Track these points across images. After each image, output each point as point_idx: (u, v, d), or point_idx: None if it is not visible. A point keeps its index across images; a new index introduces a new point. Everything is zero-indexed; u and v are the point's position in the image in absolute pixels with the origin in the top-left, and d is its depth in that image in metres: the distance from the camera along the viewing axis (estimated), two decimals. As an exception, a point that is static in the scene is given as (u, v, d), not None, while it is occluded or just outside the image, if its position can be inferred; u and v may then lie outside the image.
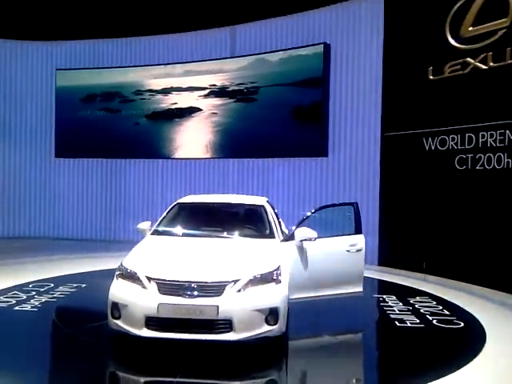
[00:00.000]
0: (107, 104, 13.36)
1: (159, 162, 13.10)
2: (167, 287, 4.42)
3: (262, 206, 6.02)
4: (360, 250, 5.86)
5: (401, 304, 6.71)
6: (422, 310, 6.38)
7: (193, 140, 12.61)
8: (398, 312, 6.27)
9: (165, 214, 6.16)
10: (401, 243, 9.83)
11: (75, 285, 7.71)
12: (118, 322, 4.55)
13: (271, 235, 5.50)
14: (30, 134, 13.79)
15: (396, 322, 5.79)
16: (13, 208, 13.69)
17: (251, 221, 5.89)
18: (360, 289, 5.88)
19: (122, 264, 4.86)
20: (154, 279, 4.49)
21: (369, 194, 10.37)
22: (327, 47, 10.91)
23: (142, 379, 4.28)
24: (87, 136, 13.47)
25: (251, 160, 12.01)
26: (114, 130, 13.28)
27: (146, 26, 12.89)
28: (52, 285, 7.65)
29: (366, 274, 8.90)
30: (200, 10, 12.24)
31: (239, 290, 4.44)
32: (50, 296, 6.93)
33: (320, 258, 5.61)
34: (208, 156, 12.47)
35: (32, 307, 6.32)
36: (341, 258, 5.74)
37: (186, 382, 4.11)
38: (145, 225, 5.96)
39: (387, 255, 10.03)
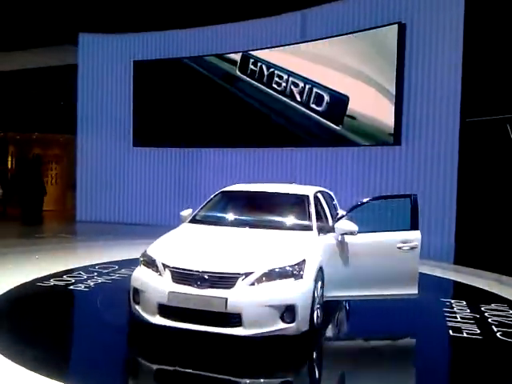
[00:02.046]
0: (183, 94, 13.48)
1: (232, 151, 13.00)
2: (180, 276, 4.28)
3: (306, 196, 5.61)
4: (414, 248, 5.25)
5: (468, 311, 5.93)
6: (490, 320, 5.58)
7: (264, 129, 12.35)
8: (458, 319, 5.54)
9: (207, 201, 5.99)
10: (480, 241, 8.90)
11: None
12: (137, 307, 4.51)
13: (308, 227, 5.08)
14: (110, 124, 14.34)
15: (450, 331, 5.10)
16: (90, 195, 14.38)
17: (291, 211, 5.51)
18: (415, 291, 5.28)
19: (146, 250, 4.80)
20: (169, 267, 4.38)
21: (445, 187, 9.49)
22: (402, 27, 10.09)
23: (155, 367, 4.17)
24: (162, 126, 13.74)
25: (319, 149, 11.52)
26: (189, 119, 13.38)
27: (218, 15, 12.82)
28: (116, 267, 7.88)
29: (438, 274, 8.37)
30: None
31: (252, 284, 4.14)
32: (108, 278, 7.14)
33: (364, 255, 5.11)
34: (277, 145, 12.16)
35: (85, 287, 6.55)
36: (390, 255, 5.18)
37: (206, 376, 3.92)
38: (187, 212, 5.83)
39: (465, 254, 9.14)
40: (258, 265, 4.24)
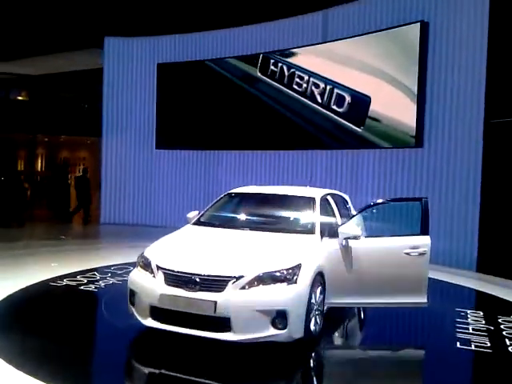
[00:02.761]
0: (204, 96, 13.48)
1: (252, 153, 12.92)
2: (172, 278, 4.24)
3: (312, 198, 5.47)
4: (423, 254, 5.03)
5: (483, 322, 5.65)
6: (504, 332, 5.29)
7: (285, 131, 12.21)
8: (470, 331, 5.26)
9: (213, 203, 5.94)
10: (505, 248, 8.51)
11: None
12: (133, 308, 4.50)
13: (311, 231, 4.94)
14: (134, 126, 14.48)
15: (457, 343, 4.84)
16: (114, 197, 14.54)
17: (296, 214, 5.40)
18: (423, 299, 5.06)
19: (143, 252, 4.77)
20: (162, 269, 4.34)
21: (468, 190, 9.12)
22: (425, 25, 9.79)
23: (147, 370, 4.13)
24: (185, 128, 13.78)
25: (339, 151, 11.30)
26: (211, 121, 13.37)
27: (240, 17, 12.78)
28: (131, 268, 7.88)
29: (458, 282, 8.06)
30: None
31: (243, 288, 4.04)
32: (121, 279, 7.18)
33: (369, 260, 4.93)
34: (298, 147, 11.99)
35: (95, 287, 6.67)
36: (397, 261, 4.99)
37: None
38: (193, 214, 5.80)
39: (488, 261, 8.76)
40: (250, 268, 4.13)
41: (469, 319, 5.75)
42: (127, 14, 13.69)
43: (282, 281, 4.10)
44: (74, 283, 6.85)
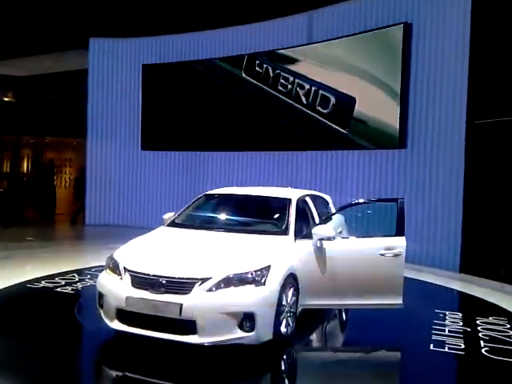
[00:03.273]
0: (189, 97, 13.41)
1: (238, 154, 12.88)
2: (138, 280, 4.19)
3: (288, 199, 5.42)
4: (398, 255, 5.01)
5: (460, 324, 5.60)
6: (481, 334, 5.25)
7: (270, 132, 12.17)
8: (446, 333, 5.22)
9: (189, 204, 5.88)
10: (489, 249, 8.51)
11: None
12: (101, 311, 4.45)
13: (284, 232, 4.89)
14: (119, 127, 14.39)
15: (431, 345, 4.79)
16: (99, 198, 14.43)
17: (270, 215, 5.35)
18: (399, 301, 5.02)
19: (112, 254, 4.71)
20: (129, 271, 4.29)
21: (451, 191, 9.12)
22: (408, 27, 9.80)
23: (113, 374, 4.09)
24: (170, 129, 13.70)
25: (324, 152, 11.28)
26: (196, 122, 13.31)
27: (225, 18, 12.74)
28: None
29: (440, 283, 8.04)
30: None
31: (210, 290, 3.98)
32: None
33: (343, 261, 4.89)
34: (283, 148, 11.96)
35: (72, 289, 6.59)
36: (371, 262, 4.96)
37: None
38: (168, 215, 5.74)
39: (472, 262, 8.76)
40: (217, 270, 4.08)
41: (446, 321, 5.72)
42: (113, 15, 13.59)
43: (250, 282, 4.04)
44: (51, 285, 6.78)
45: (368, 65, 10.41)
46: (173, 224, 5.45)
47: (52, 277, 7.26)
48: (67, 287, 6.70)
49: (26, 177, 18.36)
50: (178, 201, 13.65)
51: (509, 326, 5.67)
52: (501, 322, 5.78)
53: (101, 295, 4.45)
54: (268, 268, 4.16)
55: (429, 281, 8.25)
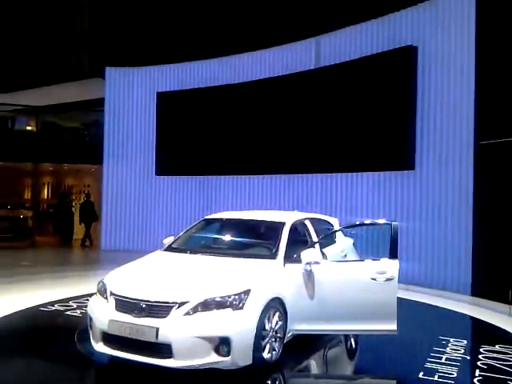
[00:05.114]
0: (202, 123, 13.58)
1: (250, 178, 12.94)
2: (121, 304, 4.28)
3: (282, 223, 5.40)
4: (391, 280, 4.90)
5: (461, 352, 5.35)
6: (479, 363, 5.02)
7: (279, 155, 12.20)
8: (442, 361, 5.02)
9: (187, 229, 5.94)
10: (501, 272, 8.28)
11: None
12: (90, 333, 4.56)
13: (273, 256, 4.87)
14: (134, 153, 14.68)
15: (420, 374, 4.63)
16: (115, 223, 14.64)
17: (263, 239, 5.36)
18: (393, 327, 4.87)
19: (103, 278, 4.78)
20: (114, 295, 4.39)
21: (460, 213, 8.96)
22: (413, 50, 9.80)
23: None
24: (184, 154, 13.87)
25: (335, 174, 11.24)
26: (209, 147, 13.44)
27: (235, 45, 13.00)
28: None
29: (450, 307, 7.82)
30: (284, 23, 11.98)
31: (188, 314, 4.00)
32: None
33: (332, 286, 4.82)
34: (292, 171, 11.97)
35: (81, 313, 6.68)
36: (363, 287, 4.87)
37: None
38: (167, 240, 5.79)
39: (484, 285, 8.52)
40: (195, 294, 4.10)
41: (447, 348, 5.51)
42: (127, 45, 14.03)
43: (227, 306, 4.04)
44: (62, 308, 6.93)
45: (374, 88, 10.41)
46: (169, 248, 5.51)
47: (66, 301, 7.39)
48: (77, 310, 6.79)
49: (46, 203, 18.87)
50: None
51: (515, 355, 5.44)
52: (506, 351, 5.52)
53: (90, 318, 4.56)
54: (247, 292, 4.14)
55: (438, 305, 8.04)
